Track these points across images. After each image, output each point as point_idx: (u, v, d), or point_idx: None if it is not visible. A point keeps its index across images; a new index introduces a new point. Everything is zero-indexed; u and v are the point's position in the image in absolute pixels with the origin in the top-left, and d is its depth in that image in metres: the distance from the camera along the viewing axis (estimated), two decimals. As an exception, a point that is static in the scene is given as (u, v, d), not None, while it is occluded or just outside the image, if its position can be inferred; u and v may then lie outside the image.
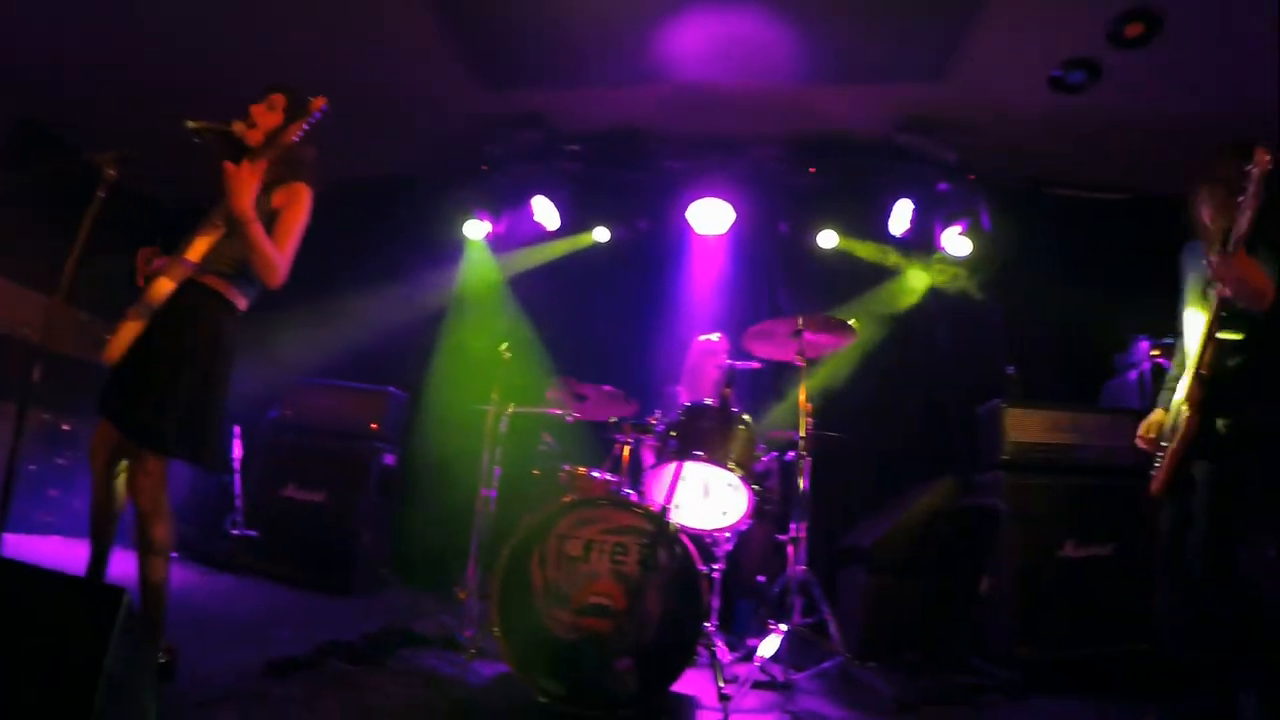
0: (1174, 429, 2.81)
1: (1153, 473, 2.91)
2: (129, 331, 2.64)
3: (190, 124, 2.79)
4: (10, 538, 2.33)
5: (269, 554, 4.74)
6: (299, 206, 2.87)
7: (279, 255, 2.78)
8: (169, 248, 2.85)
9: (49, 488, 5.43)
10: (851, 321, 3.69)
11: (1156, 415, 3.03)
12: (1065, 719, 3.21)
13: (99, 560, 2.80)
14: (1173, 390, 2.95)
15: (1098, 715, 3.25)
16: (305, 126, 2.76)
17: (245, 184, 2.64)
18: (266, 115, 2.89)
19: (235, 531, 4.73)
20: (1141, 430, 3.05)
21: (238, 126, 2.86)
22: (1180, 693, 3.37)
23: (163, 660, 2.64)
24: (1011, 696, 3.50)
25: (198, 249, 2.71)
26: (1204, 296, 2.81)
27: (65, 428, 5.64)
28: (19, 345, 5.65)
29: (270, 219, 2.81)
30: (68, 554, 4.57)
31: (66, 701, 1.68)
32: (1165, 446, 2.86)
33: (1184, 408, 2.73)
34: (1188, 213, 2.97)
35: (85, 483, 5.37)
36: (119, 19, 4.72)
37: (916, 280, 5.60)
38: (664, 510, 2.95)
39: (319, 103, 2.74)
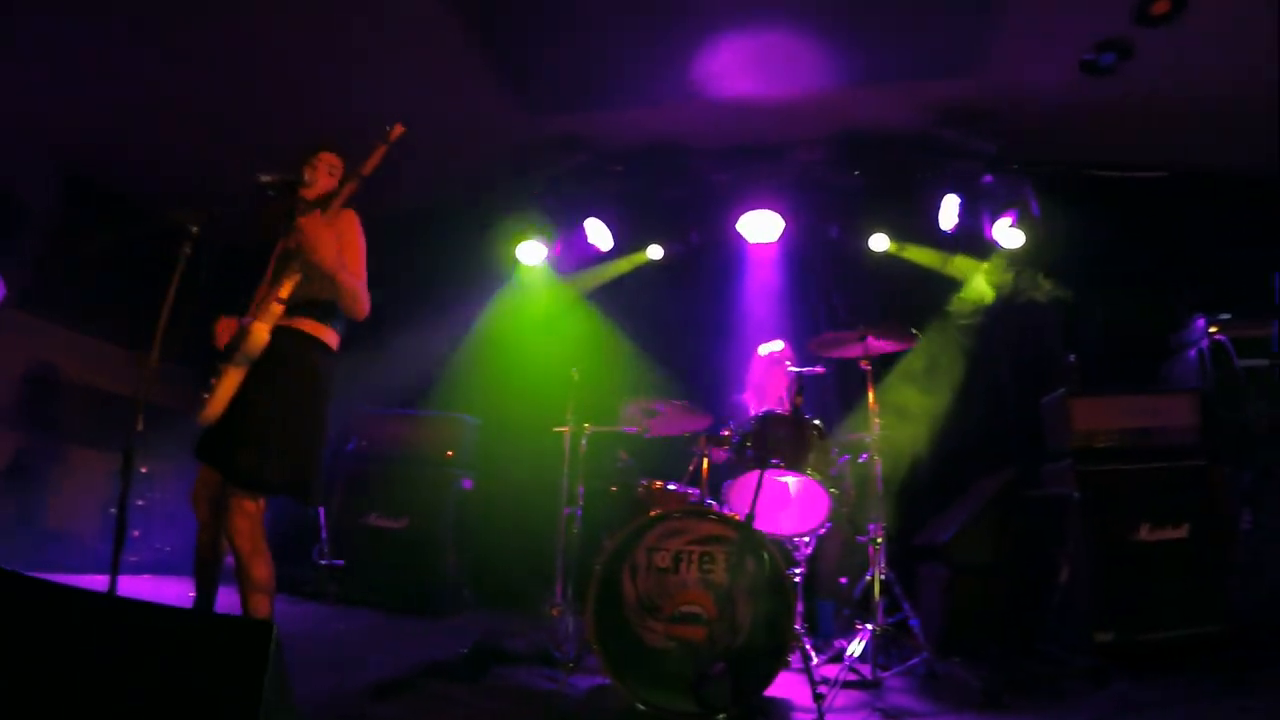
0: None
1: None
2: (227, 386, 2.74)
3: (263, 178, 2.91)
4: (100, 579, 2.37)
5: (355, 581, 4.90)
6: (355, 233, 2.99)
7: (364, 289, 2.91)
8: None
9: (131, 528, 5.63)
10: (913, 331, 3.77)
11: None
12: (1146, 703, 3.18)
13: (205, 600, 2.88)
14: None
15: (1177, 697, 3.23)
16: (385, 151, 2.85)
17: (323, 238, 2.76)
18: (326, 179, 3.03)
19: (322, 561, 4.88)
20: None
21: (307, 175, 2.99)
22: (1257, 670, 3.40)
23: None
24: (1093, 682, 3.50)
25: (285, 293, 2.81)
26: None
27: (143, 470, 5.86)
28: (110, 397, 5.96)
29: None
30: (160, 592, 4.74)
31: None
32: None
33: None
34: None
35: (164, 523, 5.63)
36: (155, 73, 4.94)
37: (974, 278, 5.59)
38: (748, 519, 3.02)
39: (399, 130, 2.82)
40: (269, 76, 4.97)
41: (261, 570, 2.68)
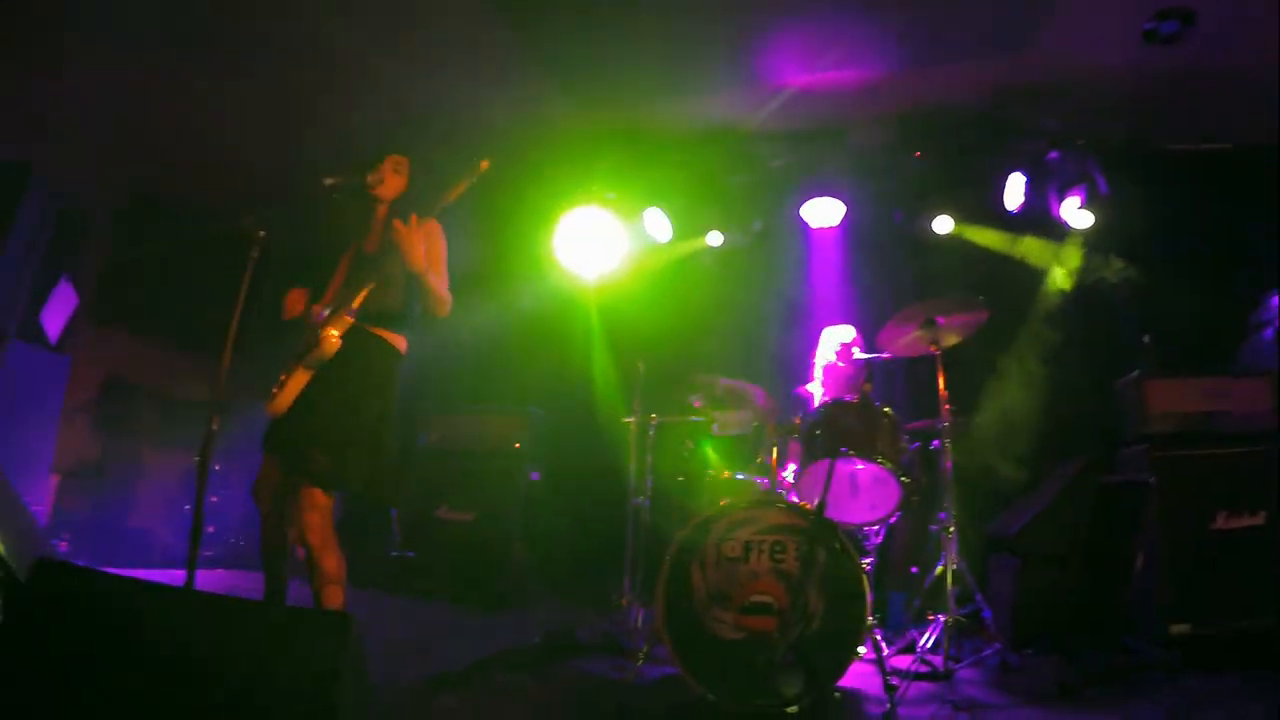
0: None
1: None
2: (296, 383, 2.83)
3: (328, 180, 2.99)
4: (178, 574, 2.44)
5: (425, 572, 5.00)
6: (440, 241, 3.09)
7: (446, 292, 3.01)
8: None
9: (206, 524, 5.79)
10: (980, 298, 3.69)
11: None
12: (1222, 695, 3.08)
13: (276, 592, 2.96)
14: None
15: (1255, 691, 3.12)
16: (469, 184, 2.94)
17: (414, 241, 2.85)
18: (393, 177, 3.10)
19: (394, 553, 4.99)
20: None
21: (371, 179, 3.06)
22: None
23: None
24: (1169, 675, 3.40)
25: (358, 304, 2.89)
26: None
27: (216, 468, 6.03)
28: (180, 400, 6.14)
29: None
30: (235, 584, 4.88)
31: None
32: None
33: None
34: None
35: (237, 519, 5.78)
36: (217, 78, 5.09)
37: (1052, 269, 5.44)
38: (819, 508, 3.00)
39: (484, 165, 2.91)
40: (333, 79, 5.08)
41: (331, 562, 2.76)
